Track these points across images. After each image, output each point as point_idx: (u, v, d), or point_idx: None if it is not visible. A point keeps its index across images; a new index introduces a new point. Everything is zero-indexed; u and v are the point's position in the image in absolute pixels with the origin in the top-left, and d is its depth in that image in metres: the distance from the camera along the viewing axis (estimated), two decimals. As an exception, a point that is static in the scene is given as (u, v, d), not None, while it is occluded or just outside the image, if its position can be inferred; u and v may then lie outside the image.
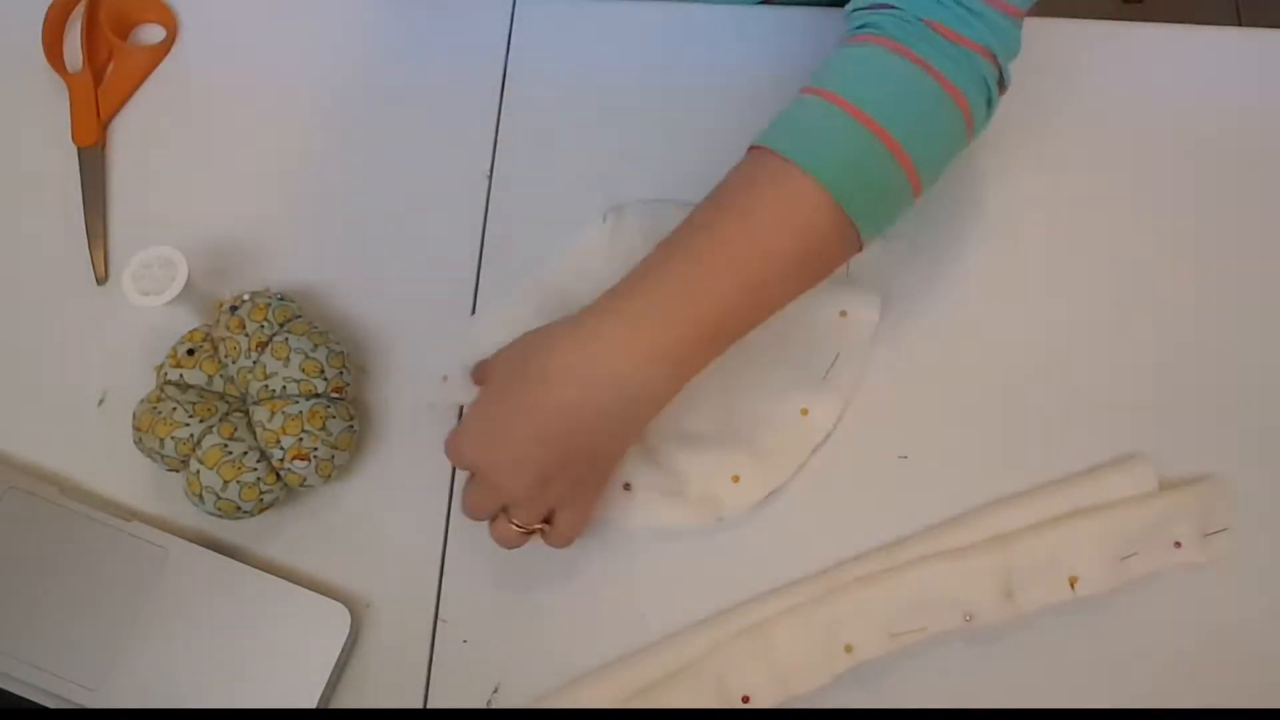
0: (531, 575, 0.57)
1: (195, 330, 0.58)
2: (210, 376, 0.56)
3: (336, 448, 0.55)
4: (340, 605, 0.54)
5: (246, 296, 0.57)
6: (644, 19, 0.68)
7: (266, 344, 0.56)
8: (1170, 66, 0.67)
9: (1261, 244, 0.62)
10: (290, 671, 0.53)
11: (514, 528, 0.51)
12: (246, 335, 0.55)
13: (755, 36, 0.67)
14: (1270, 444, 0.58)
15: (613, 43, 0.68)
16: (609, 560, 0.57)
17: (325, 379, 0.55)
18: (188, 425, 0.54)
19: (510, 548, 0.53)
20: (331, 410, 0.55)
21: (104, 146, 0.66)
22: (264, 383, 0.55)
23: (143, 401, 0.56)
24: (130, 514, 0.57)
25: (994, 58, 0.51)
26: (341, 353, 0.57)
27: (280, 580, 0.55)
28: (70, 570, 0.54)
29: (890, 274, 0.61)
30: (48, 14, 0.67)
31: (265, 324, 0.56)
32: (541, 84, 0.67)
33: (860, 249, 0.50)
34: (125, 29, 0.69)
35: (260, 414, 0.55)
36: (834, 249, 0.50)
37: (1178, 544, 0.55)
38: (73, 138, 0.66)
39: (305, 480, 0.55)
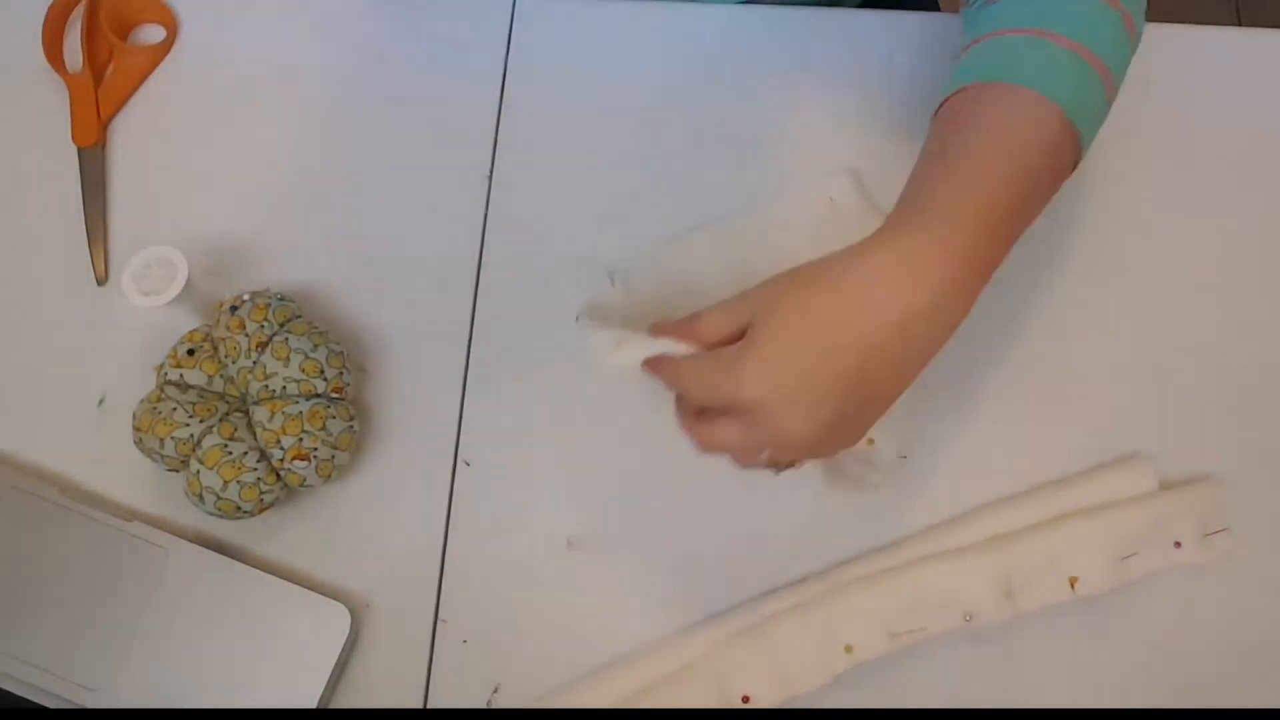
0: (531, 575, 0.57)
1: (195, 330, 0.58)
2: (210, 376, 0.56)
3: (336, 448, 0.55)
4: (340, 605, 0.54)
5: (246, 296, 0.57)
6: (644, 19, 0.68)
7: (266, 344, 0.56)
8: (1170, 66, 0.67)
9: (1261, 244, 0.62)
10: (290, 671, 0.53)
11: (764, 463, 0.48)
12: (246, 335, 0.55)
13: (755, 36, 0.67)
14: (1270, 444, 0.58)
15: (613, 43, 0.68)
16: (609, 560, 0.57)
17: (325, 379, 0.56)
18: (188, 425, 0.54)
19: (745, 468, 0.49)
20: (331, 410, 0.55)
21: (104, 146, 0.66)
22: (264, 383, 0.55)
23: (143, 401, 0.56)
24: (130, 514, 0.57)
25: None
26: (341, 353, 0.57)
27: (280, 580, 0.55)
28: (70, 570, 0.54)
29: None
30: (48, 14, 0.67)
31: (265, 324, 0.56)
32: (541, 84, 0.67)
33: (1076, 166, 0.52)
34: (125, 29, 0.69)
35: (260, 414, 0.55)
36: (1067, 164, 0.51)
37: (1178, 544, 0.55)
38: (73, 138, 0.66)
39: (305, 480, 0.55)
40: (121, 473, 0.58)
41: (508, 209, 0.64)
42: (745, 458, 0.48)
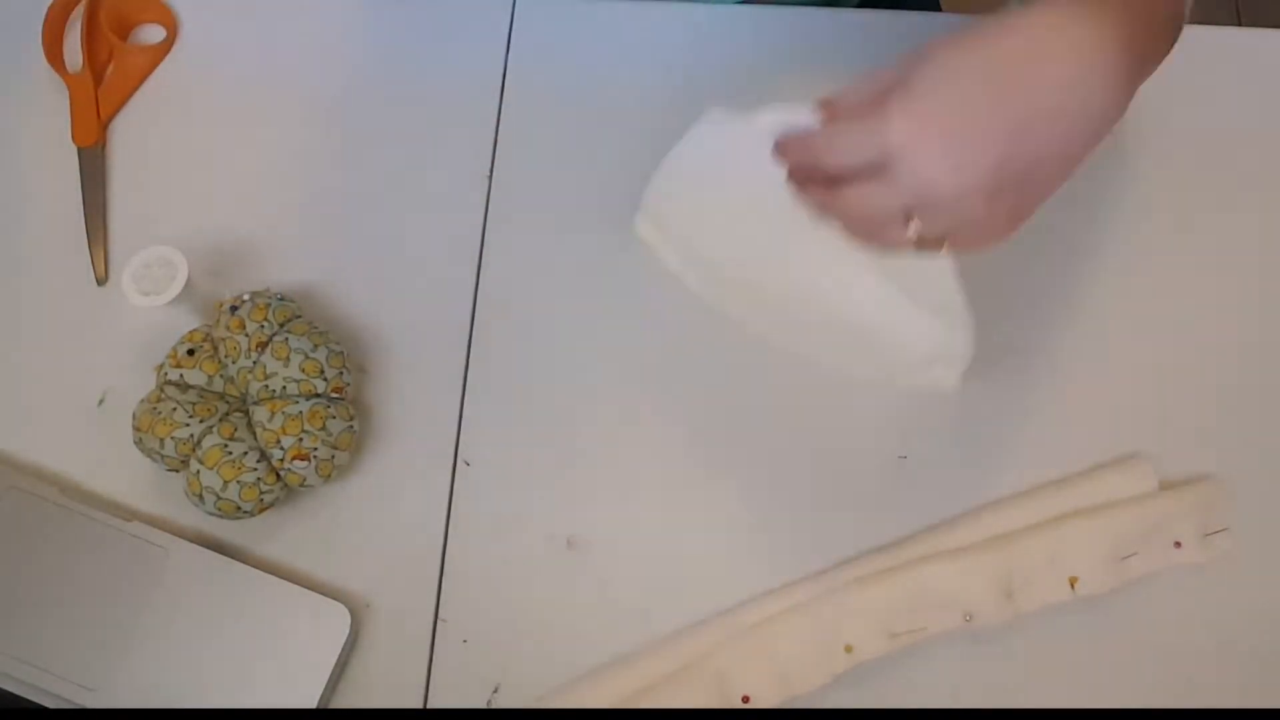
0: (531, 575, 0.57)
1: (195, 330, 0.58)
2: (210, 376, 0.56)
3: (336, 448, 0.55)
4: (340, 605, 0.54)
5: (246, 296, 0.57)
6: (644, 19, 0.68)
7: (266, 344, 0.56)
8: (1170, 66, 0.67)
9: (1261, 244, 0.62)
10: (290, 671, 0.53)
11: (908, 240, 0.43)
12: (246, 335, 0.55)
13: (755, 36, 0.67)
14: (1270, 444, 0.58)
15: (613, 43, 0.68)
16: (609, 560, 0.57)
17: (325, 379, 0.56)
18: (188, 425, 0.54)
19: (872, 242, 0.44)
20: (331, 410, 0.55)
21: (104, 146, 0.66)
22: (264, 383, 0.55)
23: (143, 401, 0.56)
24: (130, 514, 0.57)
25: None
26: (341, 353, 0.57)
27: (280, 580, 0.55)
28: (70, 570, 0.54)
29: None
30: (48, 14, 0.67)
31: (265, 324, 0.56)
32: (541, 84, 0.67)
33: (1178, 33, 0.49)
34: (125, 29, 0.69)
35: (260, 414, 0.55)
36: (1174, 27, 0.49)
37: (1178, 544, 0.55)
38: (73, 138, 0.66)
39: (305, 480, 0.55)
40: (121, 473, 0.58)
41: (508, 209, 0.64)
42: (886, 227, 0.43)
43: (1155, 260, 0.62)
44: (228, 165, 0.66)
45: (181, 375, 0.56)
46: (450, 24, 0.69)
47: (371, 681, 0.55)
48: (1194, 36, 0.68)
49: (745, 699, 0.52)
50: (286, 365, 0.55)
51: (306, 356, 0.55)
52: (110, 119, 0.67)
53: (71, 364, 0.61)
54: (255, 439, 0.55)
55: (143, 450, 0.55)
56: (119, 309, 0.59)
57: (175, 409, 0.54)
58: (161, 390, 0.56)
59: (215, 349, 0.57)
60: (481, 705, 0.54)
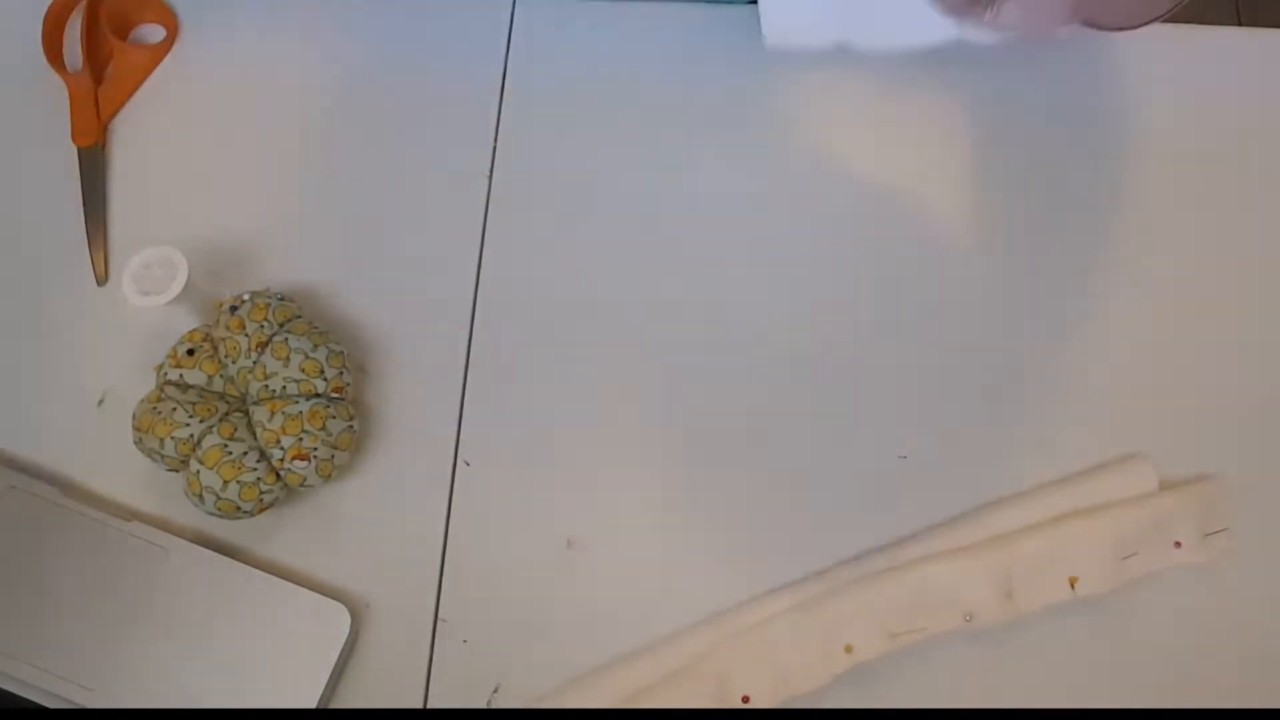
0: (531, 575, 0.57)
1: (195, 330, 0.58)
2: (210, 376, 0.56)
3: (336, 448, 0.55)
4: (340, 605, 0.54)
5: (246, 296, 0.57)
6: (644, 19, 0.68)
7: (266, 344, 0.56)
8: (1170, 66, 0.67)
9: (1261, 244, 0.62)
10: (290, 671, 0.53)
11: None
12: (246, 335, 0.55)
13: (755, 36, 0.67)
14: (1270, 444, 0.58)
15: (613, 43, 0.68)
16: (609, 560, 0.57)
17: (325, 379, 0.56)
18: (188, 425, 0.54)
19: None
20: (331, 410, 0.55)
21: (104, 146, 0.66)
22: (264, 383, 0.55)
23: (143, 401, 0.56)
24: (130, 514, 0.57)
25: None
26: (341, 353, 0.57)
27: (280, 580, 0.55)
28: (70, 570, 0.54)
29: (888, 273, 0.61)
30: (48, 14, 0.67)
31: (265, 324, 0.56)
32: (541, 84, 0.67)
33: None
34: (125, 29, 0.69)
35: (260, 414, 0.55)
36: None
37: (1178, 544, 0.55)
38: (73, 138, 0.66)
39: (305, 480, 0.55)
40: (121, 473, 0.58)
41: (508, 209, 0.64)
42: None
43: (1155, 260, 0.62)
44: (228, 165, 0.65)
45: (181, 375, 0.56)
46: (450, 24, 0.69)
47: (371, 681, 0.55)
48: (1194, 36, 0.68)
49: (745, 699, 0.52)
50: (286, 365, 0.55)
51: (306, 356, 0.55)
52: (110, 119, 0.67)
53: (71, 364, 0.61)
54: (255, 439, 0.55)
55: (143, 450, 0.55)
56: (119, 309, 0.59)
57: (175, 409, 0.54)
58: (161, 390, 0.56)
59: (215, 349, 0.57)
60: (481, 705, 0.54)
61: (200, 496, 0.54)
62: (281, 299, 0.58)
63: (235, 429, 0.54)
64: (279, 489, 0.55)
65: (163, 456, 0.54)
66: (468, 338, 0.61)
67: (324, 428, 0.55)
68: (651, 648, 0.54)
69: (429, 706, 0.55)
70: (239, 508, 0.54)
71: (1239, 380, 0.60)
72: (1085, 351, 0.60)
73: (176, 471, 0.55)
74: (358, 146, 0.66)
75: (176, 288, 0.57)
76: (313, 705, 0.53)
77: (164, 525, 0.56)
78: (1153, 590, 0.55)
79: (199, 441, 0.54)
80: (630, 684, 0.53)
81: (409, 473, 0.59)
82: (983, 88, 0.66)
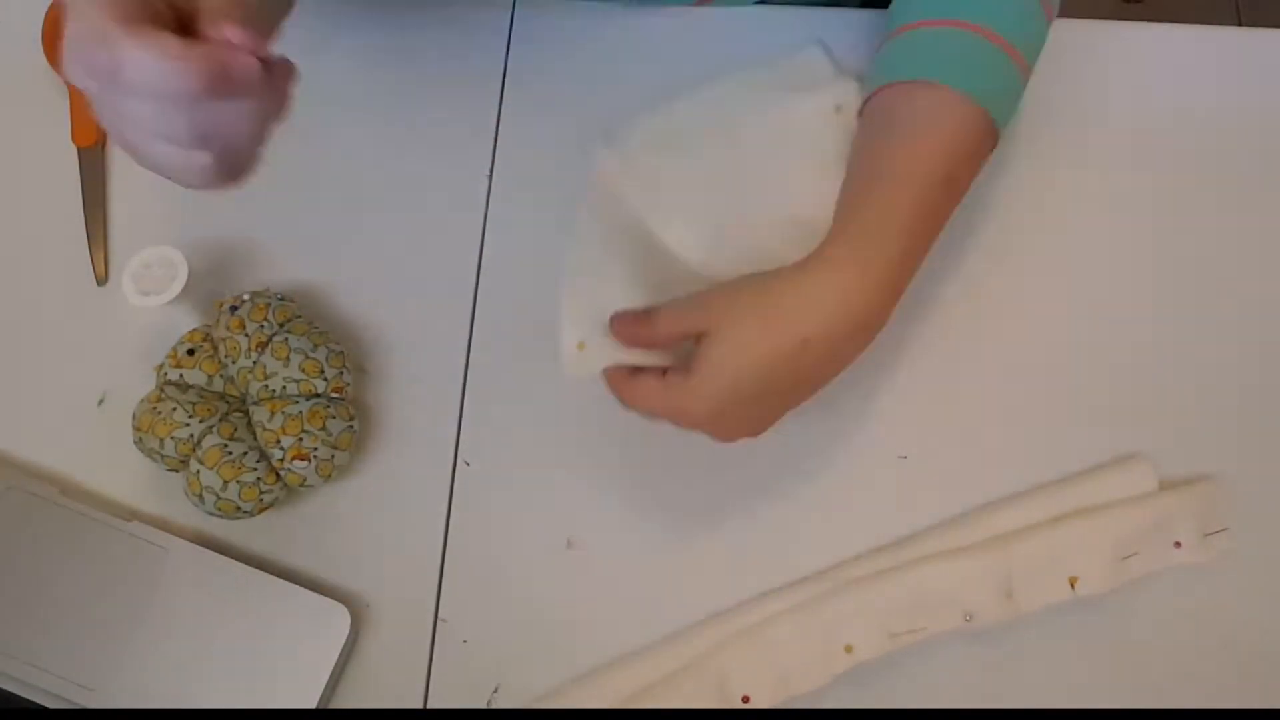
0: (531, 575, 0.57)
1: (195, 330, 0.58)
2: (210, 376, 0.56)
3: (336, 448, 0.55)
4: (340, 605, 0.54)
5: (246, 296, 0.57)
6: (644, 19, 0.68)
7: (266, 344, 0.56)
8: (1170, 66, 0.67)
9: (1261, 244, 0.62)
10: (290, 671, 0.53)
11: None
12: (246, 335, 0.55)
13: (755, 37, 0.67)
14: (1270, 444, 0.58)
15: (613, 43, 0.68)
16: (609, 560, 0.57)
17: (325, 379, 0.56)
18: (188, 425, 0.54)
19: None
20: (331, 410, 0.55)
21: (104, 146, 0.66)
22: (264, 383, 0.55)
23: (143, 401, 0.56)
24: (130, 514, 0.57)
25: None
26: (341, 353, 0.57)
27: (280, 580, 0.55)
28: (70, 570, 0.54)
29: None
30: (48, 14, 0.67)
31: (265, 324, 0.56)
32: (541, 84, 0.67)
33: (994, 148, 0.56)
34: (125, 29, 0.69)
35: (260, 414, 0.55)
36: (985, 154, 0.56)
37: (1178, 544, 0.55)
38: (72, 138, 0.66)
39: (305, 480, 0.55)
40: (121, 473, 0.58)
41: (508, 209, 0.64)
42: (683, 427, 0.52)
43: (1155, 260, 0.62)
44: (228, 165, 0.65)
45: (181, 375, 0.56)
46: (450, 24, 0.69)
47: (371, 681, 0.55)
48: (1194, 36, 0.68)
49: (745, 699, 0.52)
50: (286, 365, 0.55)
51: (306, 356, 0.55)
52: (110, 119, 0.67)
53: (71, 364, 0.61)
54: (255, 439, 0.55)
55: (143, 450, 0.55)
56: (119, 309, 0.59)
57: (175, 409, 0.54)
58: (161, 390, 0.56)
59: (215, 349, 0.57)
60: (481, 705, 0.54)
61: (200, 496, 0.54)
62: (281, 299, 0.58)
63: (235, 429, 0.54)
64: (279, 489, 0.55)
65: (163, 456, 0.54)
66: (468, 338, 0.61)
67: (324, 428, 0.55)
68: (651, 648, 0.54)
69: (429, 706, 0.55)
70: (239, 508, 0.54)
71: (1239, 380, 0.59)
72: (1085, 351, 0.60)
73: (176, 471, 0.55)
74: (358, 146, 0.66)
75: (176, 288, 0.57)
76: (313, 705, 0.53)
77: (164, 525, 0.56)
78: (1153, 590, 0.55)
79: (199, 441, 0.54)
80: (630, 684, 0.53)
81: (409, 473, 0.59)
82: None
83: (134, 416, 0.56)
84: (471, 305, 0.62)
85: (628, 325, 0.52)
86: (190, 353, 0.56)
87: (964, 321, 0.61)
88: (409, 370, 0.61)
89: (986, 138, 0.54)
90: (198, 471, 0.53)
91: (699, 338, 0.50)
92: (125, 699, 0.52)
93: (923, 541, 0.56)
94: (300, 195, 0.65)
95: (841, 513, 0.57)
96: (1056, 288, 0.62)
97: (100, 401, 0.60)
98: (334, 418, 0.55)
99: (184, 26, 0.38)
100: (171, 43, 0.35)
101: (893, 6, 0.60)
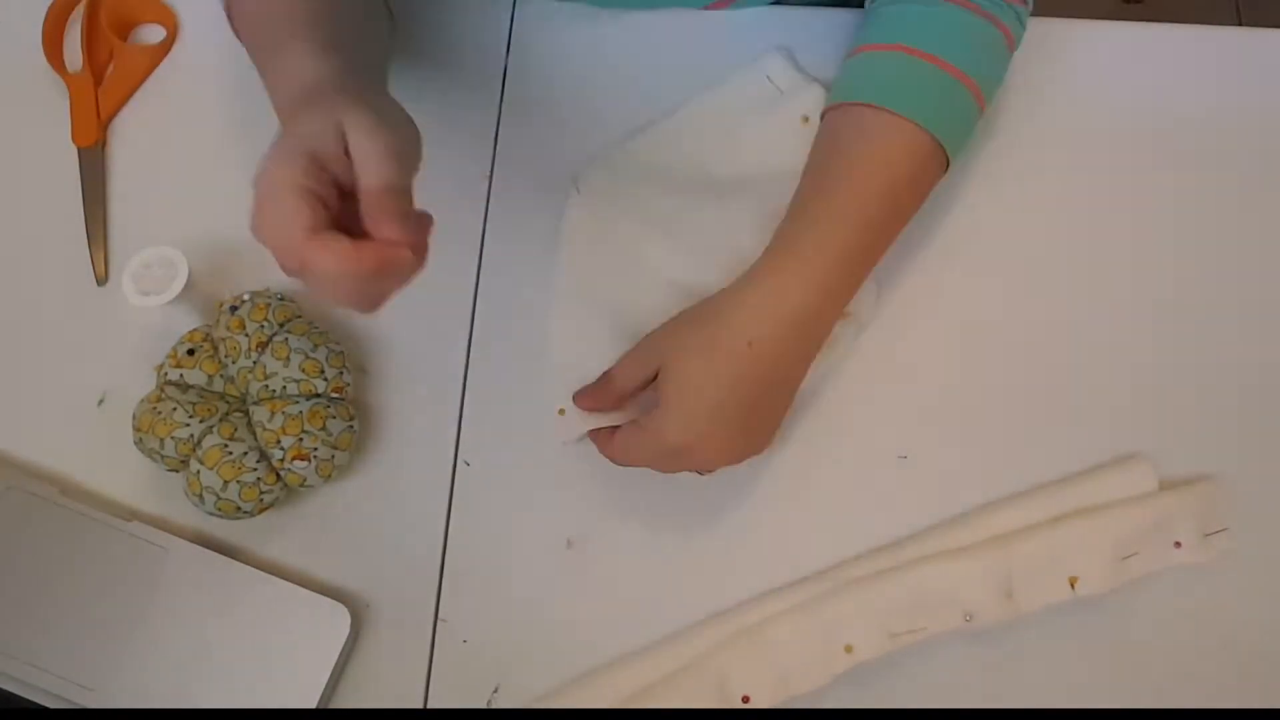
0: (531, 575, 0.57)
1: (195, 330, 0.58)
2: (210, 376, 0.56)
3: (336, 448, 0.55)
4: (340, 605, 0.54)
5: (246, 296, 0.57)
6: (644, 19, 0.68)
7: (266, 344, 0.56)
8: (1170, 66, 0.67)
9: (1262, 244, 0.62)
10: (290, 671, 0.53)
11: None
12: (246, 335, 0.55)
13: (755, 37, 0.67)
14: (1270, 444, 0.58)
15: (612, 44, 0.68)
16: (608, 560, 0.57)
17: (325, 379, 0.56)
18: (188, 425, 0.54)
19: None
20: (331, 410, 0.55)
21: (104, 146, 0.66)
22: (264, 383, 0.55)
23: (143, 401, 0.56)
24: (130, 514, 0.57)
25: None
26: (341, 353, 0.57)
27: (280, 580, 0.55)
28: (70, 570, 0.54)
29: (889, 272, 0.61)
30: (48, 14, 0.67)
31: (265, 324, 0.56)
32: (541, 85, 0.67)
33: (947, 170, 0.58)
34: (125, 29, 0.69)
35: (260, 414, 0.55)
36: (934, 178, 0.57)
37: (1178, 544, 0.55)
38: (73, 138, 0.66)
39: (305, 480, 0.55)
40: (121, 473, 0.58)
41: (508, 209, 0.64)
42: (662, 471, 0.54)
43: (1155, 260, 0.62)
44: (228, 165, 0.65)
45: (181, 375, 0.56)
46: (450, 24, 0.69)
47: (371, 681, 0.55)
48: (1194, 36, 0.68)
49: (745, 699, 0.52)
50: (286, 365, 0.55)
51: (306, 356, 0.55)
52: (110, 119, 0.67)
53: (71, 364, 0.61)
54: (255, 439, 0.55)
55: (143, 450, 0.55)
56: (119, 309, 0.59)
57: (175, 409, 0.54)
58: (161, 390, 0.56)
59: (215, 349, 0.57)
60: (481, 705, 0.54)
61: (200, 496, 0.54)
62: (281, 299, 0.58)
63: (235, 429, 0.54)
64: (279, 489, 0.55)
65: (163, 456, 0.54)
66: (468, 338, 0.61)
67: (324, 428, 0.55)
68: (651, 648, 0.54)
69: (429, 706, 0.55)
70: (239, 508, 0.54)
71: (1239, 380, 0.59)
72: (1085, 351, 0.60)
73: (176, 471, 0.55)
74: (358, 146, 0.66)
75: (176, 288, 0.57)
76: (313, 705, 0.53)
77: (164, 525, 0.56)
78: (1153, 590, 0.55)
79: (199, 441, 0.54)
80: (630, 684, 0.53)
81: (409, 473, 0.59)
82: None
83: (134, 416, 0.56)
84: (471, 305, 0.62)
85: (587, 399, 0.55)
86: (190, 353, 0.56)
87: (964, 322, 0.61)
88: (409, 370, 0.61)
89: (931, 160, 0.56)
90: (198, 471, 0.53)
91: (657, 374, 0.52)
92: (125, 699, 0.52)
93: (923, 541, 0.56)
94: (300, 195, 0.64)
95: (841, 512, 0.57)
96: (1056, 288, 0.61)
97: (100, 401, 0.60)
98: (334, 418, 0.55)
99: (345, 195, 0.44)
100: (345, 248, 0.42)
101: (857, 28, 0.61)
